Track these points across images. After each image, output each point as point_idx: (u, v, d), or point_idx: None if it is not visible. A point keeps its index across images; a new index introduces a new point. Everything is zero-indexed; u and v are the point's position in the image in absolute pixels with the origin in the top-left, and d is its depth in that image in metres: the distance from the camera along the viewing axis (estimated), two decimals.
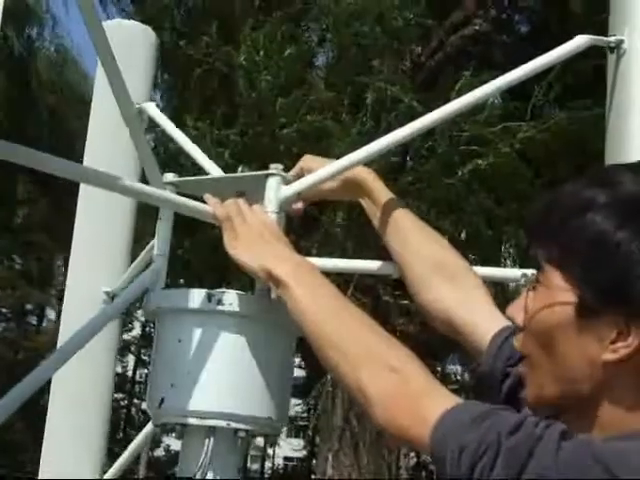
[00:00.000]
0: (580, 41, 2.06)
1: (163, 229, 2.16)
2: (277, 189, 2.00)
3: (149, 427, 2.35)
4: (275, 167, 2.03)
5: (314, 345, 1.65)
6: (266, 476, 36.16)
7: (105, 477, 2.36)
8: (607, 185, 1.42)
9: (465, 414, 1.35)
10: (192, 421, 1.87)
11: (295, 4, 10.09)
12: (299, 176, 2.09)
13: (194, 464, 1.86)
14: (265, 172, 2.03)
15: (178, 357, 1.89)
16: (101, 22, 1.85)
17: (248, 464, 34.98)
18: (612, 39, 2.05)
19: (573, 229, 1.42)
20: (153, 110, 2.43)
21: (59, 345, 2.37)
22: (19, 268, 29.34)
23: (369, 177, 2.15)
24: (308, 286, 1.71)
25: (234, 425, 1.87)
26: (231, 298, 1.89)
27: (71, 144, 15.82)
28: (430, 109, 2.18)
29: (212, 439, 1.86)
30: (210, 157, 2.36)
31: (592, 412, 1.38)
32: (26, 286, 29.30)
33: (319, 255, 7.77)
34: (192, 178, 2.14)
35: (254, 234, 1.83)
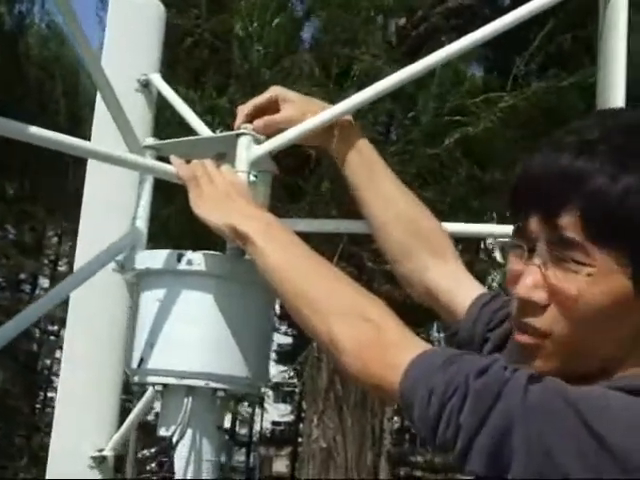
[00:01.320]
0: None
1: (143, 193, 2.14)
2: (248, 148, 1.97)
3: (149, 394, 2.33)
4: (245, 127, 2.00)
5: (286, 301, 1.63)
6: (254, 439, 36.31)
7: (109, 445, 2.34)
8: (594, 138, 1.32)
9: (434, 358, 1.33)
10: (170, 381, 1.86)
11: None
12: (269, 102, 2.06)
13: (173, 423, 1.85)
14: (236, 132, 2.00)
15: (156, 318, 1.88)
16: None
17: (237, 428, 35.15)
18: None
19: (614, 199, 1.29)
20: (158, 81, 2.42)
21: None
22: (12, 238, 29.39)
23: (347, 122, 2.08)
24: (277, 242, 1.69)
25: (212, 385, 1.85)
26: (202, 258, 1.87)
27: (58, 117, 15.84)
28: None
29: (190, 399, 1.85)
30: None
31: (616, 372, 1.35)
32: (19, 255, 29.39)
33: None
34: (170, 141, 2.11)
35: (220, 193, 1.80)
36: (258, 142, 1.99)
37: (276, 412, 36.93)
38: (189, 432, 1.86)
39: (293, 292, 1.61)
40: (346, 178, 2.06)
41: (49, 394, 36.17)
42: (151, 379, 1.89)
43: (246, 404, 34.80)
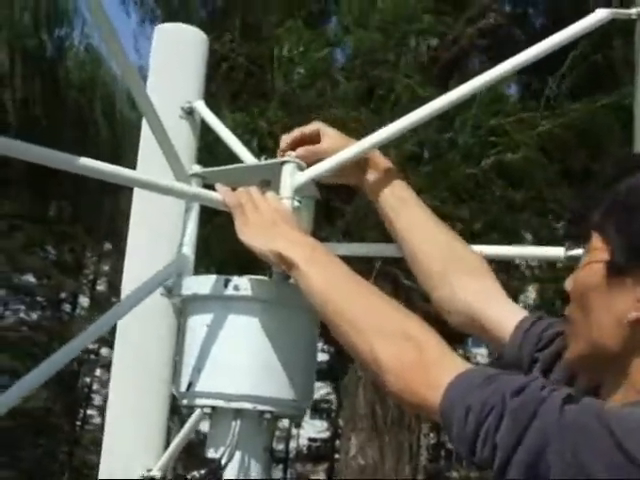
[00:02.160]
0: (601, 15, 2.01)
1: (190, 220, 2.16)
2: (292, 175, 2.00)
3: (196, 416, 2.35)
4: (289, 154, 2.03)
5: (329, 323, 1.65)
6: (291, 456, 36.19)
7: (158, 465, 2.35)
8: None
9: (473, 378, 1.34)
10: (219, 404, 1.88)
11: (315, 3, 10.16)
12: (310, 134, 2.09)
13: (222, 445, 1.87)
14: (280, 159, 2.04)
15: (203, 342, 1.90)
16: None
17: (273, 444, 34.96)
18: (634, 11, 2.00)
19: (612, 192, 1.42)
20: (202, 108, 2.44)
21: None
22: (52, 258, 29.47)
23: (376, 154, 2.10)
24: (320, 266, 1.70)
25: (260, 407, 1.87)
26: (248, 284, 1.89)
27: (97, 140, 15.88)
28: None
29: (239, 421, 1.87)
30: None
31: (625, 375, 1.36)
32: (59, 275, 29.42)
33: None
34: (216, 169, 2.13)
35: (265, 220, 1.81)
36: (301, 169, 2.02)
37: (312, 429, 36.73)
38: (237, 454, 1.87)
39: (336, 313, 1.63)
40: (379, 212, 2.09)
41: (89, 411, 36.31)
42: (200, 402, 1.91)
43: (283, 421, 34.64)
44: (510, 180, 9.62)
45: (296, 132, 2.10)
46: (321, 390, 32.71)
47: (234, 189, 1.93)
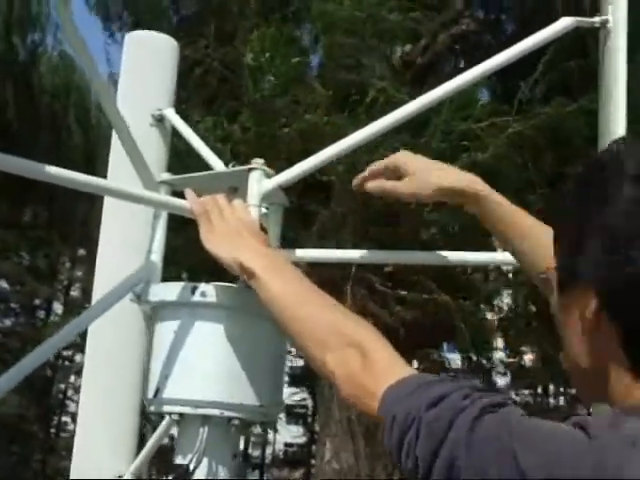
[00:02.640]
0: (566, 22, 2.03)
1: (158, 227, 2.17)
2: (259, 182, 2.01)
3: (166, 422, 2.35)
4: (256, 162, 2.04)
5: (284, 331, 1.66)
6: (267, 461, 36.19)
7: (130, 469, 2.35)
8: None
9: (406, 386, 1.34)
10: (186, 410, 1.88)
11: (288, 8, 10.17)
12: (388, 169, 2.02)
13: (189, 452, 1.87)
14: (248, 167, 2.04)
15: (171, 349, 1.90)
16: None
17: (249, 450, 35.07)
18: (597, 19, 2.01)
19: (562, 211, 1.39)
20: (172, 115, 2.44)
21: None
22: (27, 264, 29.44)
23: (480, 187, 1.99)
24: (277, 276, 1.71)
25: (227, 414, 1.88)
26: (215, 290, 1.90)
27: (71, 146, 15.89)
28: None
29: (206, 428, 1.87)
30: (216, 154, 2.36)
31: (604, 387, 1.30)
32: (34, 282, 29.44)
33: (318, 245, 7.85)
34: (185, 176, 2.14)
35: (230, 229, 1.82)
36: (268, 176, 2.02)
37: (288, 434, 36.80)
38: (205, 460, 1.87)
39: (290, 321, 1.64)
40: (494, 233, 2.03)
41: (63, 418, 36.26)
42: (167, 408, 1.91)
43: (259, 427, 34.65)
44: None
45: (383, 163, 2.04)
46: (297, 395, 32.73)
47: (201, 196, 1.94)
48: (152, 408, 1.96)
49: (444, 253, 2.22)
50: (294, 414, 34.72)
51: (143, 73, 2.51)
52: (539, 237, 1.89)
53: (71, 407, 36.00)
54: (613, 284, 1.22)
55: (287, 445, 37.25)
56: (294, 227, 9.98)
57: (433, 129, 9.32)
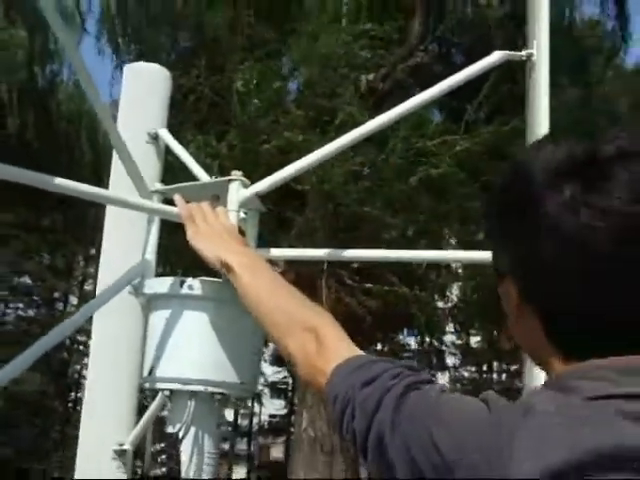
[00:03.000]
0: (497, 56, 2.04)
1: (152, 230, 2.17)
2: (237, 191, 2.01)
3: (160, 397, 2.34)
4: (235, 174, 2.04)
5: (256, 319, 1.67)
6: (254, 430, 36.16)
7: (129, 439, 2.33)
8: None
9: (349, 366, 1.34)
10: (176, 387, 1.88)
11: (271, 44, 10.20)
12: None
13: (179, 422, 1.87)
14: (227, 178, 2.04)
15: (163, 334, 1.89)
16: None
17: (239, 421, 35.04)
18: (524, 53, 2.02)
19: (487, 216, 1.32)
20: (165, 134, 2.43)
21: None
22: (47, 263, 29.55)
23: None
24: (251, 272, 1.72)
25: (211, 389, 1.87)
26: (201, 284, 1.90)
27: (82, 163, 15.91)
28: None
29: (193, 402, 1.86)
30: (205, 168, 2.36)
31: (540, 364, 1.25)
32: (53, 278, 29.53)
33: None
34: (175, 186, 2.13)
35: (212, 231, 1.82)
36: (246, 186, 2.03)
37: (272, 406, 36.88)
38: (192, 429, 1.87)
39: (260, 311, 1.65)
40: None
41: (79, 394, 36.28)
42: (159, 385, 1.91)
43: (248, 400, 34.83)
44: (435, 193, 9.72)
45: None
46: (279, 374, 32.74)
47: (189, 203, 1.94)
48: (147, 385, 1.95)
49: (402, 252, 2.22)
50: (277, 389, 34.74)
51: (140, 98, 2.50)
52: None
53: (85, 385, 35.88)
54: (525, 275, 1.19)
55: (271, 416, 37.26)
56: (274, 231, 10.01)
57: (393, 146, 9.37)
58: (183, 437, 1.86)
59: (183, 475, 1.86)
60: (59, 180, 1.80)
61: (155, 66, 2.62)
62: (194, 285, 1.89)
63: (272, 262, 1.89)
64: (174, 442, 1.86)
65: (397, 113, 2.14)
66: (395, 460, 1.14)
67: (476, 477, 1.03)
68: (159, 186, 2.19)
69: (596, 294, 1.13)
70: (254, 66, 9.64)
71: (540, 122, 1.85)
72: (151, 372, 1.90)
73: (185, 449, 1.86)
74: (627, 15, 12.22)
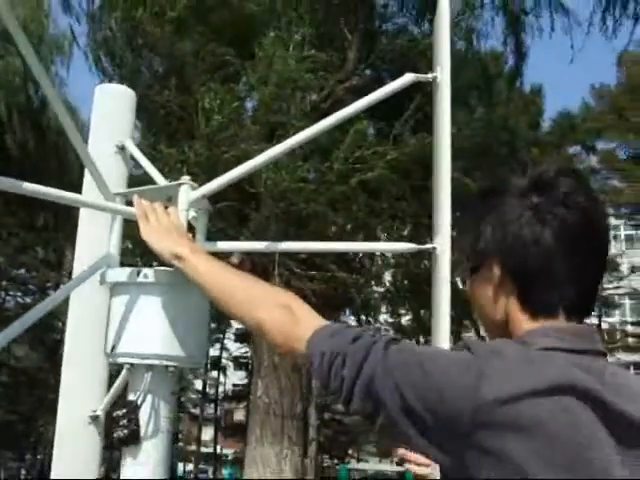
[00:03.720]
0: (408, 77, 2.04)
1: (114, 228, 2.15)
2: (186, 193, 2.00)
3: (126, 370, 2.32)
4: (184, 178, 2.03)
5: (216, 301, 1.66)
6: (220, 397, 36.10)
7: (101, 407, 2.30)
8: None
9: (327, 331, 1.40)
10: (135, 361, 1.87)
11: (231, 66, 10.21)
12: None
13: (138, 390, 1.86)
14: (178, 182, 2.03)
15: (123, 316, 1.88)
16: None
17: (207, 389, 34.99)
18: (430, 75, 1.99)
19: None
20: (130, 145, 2.41)
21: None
22: (41, 257, 29.56)
23: None
24: (203, 259, 1.72)
25: (165, 362, 1.86)
26: (154, 273, 1.89)
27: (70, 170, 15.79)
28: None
29: (150, 373, 1.85)
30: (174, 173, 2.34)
31: (509, 330, 1.40)
32: (45, 269, 29.54)
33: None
34: (134, 189, 2.11)
35: (163, 227, 1.81)
36: (194, 189, 2.01)
37: (235, 377, 36.91)
38: (149, 397, 1.86)
39: (221, 294, 1.63)
40: None
41: None
42: (121, 360, 1.89)
43: (214, 372, 34.80)
44: (370, 195, 9.81)
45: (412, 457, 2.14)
46: (242, 349, 32.71)
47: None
48: (111, 360, 1.94)
49: (342, 243, 2.22)
50: (239, 363, 34.73)
51: (109, 114, 2.47)
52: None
53: None
54: (506, 251, 1.38)
55: (234, 385, 37.22)
56: (235, 226, 10.02)
57: (335, 156, 9.45)
58: (141, 404, 1.85)
59: (142, 435, 1.85)
60: (38, 187, 1.81)
61: (122, 87, 2.60)
62: (148, 274, 1.88)
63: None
64: (134, 408, 1.85)
65: (328, 124, 2.13)
66: (385, 398, 1.25)
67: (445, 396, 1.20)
68: (121, 190, 2.16)
69: (558, 269, 1.35)
70: (216, 87, 9.67)
71: (444, 133, 1.85)
72: (113, 349, 1.89)
73: (143, 414, 1.85)
74: (524, 48, 12.41)
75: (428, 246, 1.68)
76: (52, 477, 2.18)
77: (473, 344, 1.28)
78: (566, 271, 1.36)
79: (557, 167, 1.42)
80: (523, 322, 1.37)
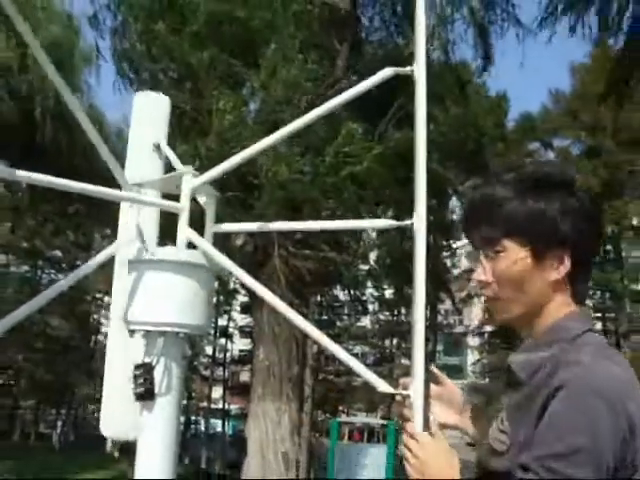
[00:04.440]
0: (388, 71, 1.92)
1: (134, 214, 2.12)
2: (189, 181, 1.97)
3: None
4: (187, 167, 2.01)
5: None
6: (228, 361, 36.15)
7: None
8: (508, 180, 1.50)
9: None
10: (149, 328, 1.85)
11: (238, 75, 10.23)
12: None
13: (153, 354, 1.84)
14: (181, 171, 2.00)
15: (140, 290, 1.86)
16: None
17: (217, 354, 35.02)
18: (408, 69, 1.85)
19: (509, 213, 1.46)
20: (164, 145, 2.36)
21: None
22: (72, 240, 29.69)
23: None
24: None
25: (176, 329, 1.85)
26: (168, 251, 1.87)
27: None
28: None
29: (162, 339, 1.84)
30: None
31: (541, 317, 1.46)
32: (76, 251, 29.69)
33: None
34: (150, 180, 2.08)
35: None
36: (196, 177, 1.99)
37: (241, 343, 36.97)
38: (162, 359, 1.84)
39: None
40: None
41: (99, 337, 36.83)
42: (138, 327, 1.87)
43: (223, 339, 34.84)
44: (359, 185, 9.85)
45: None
46: (246, 319, 32.70)
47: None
48: (129, 327, 1.91)
49: (329, 222, 2.16)
50: (244, 331, 34.76)
51: (147, 118, 2.41)
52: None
53: (103, 329, 36.50)
54: (573, 241, 1.44)
55: (240, 351, 37.26)
56: (239, 211, 10.02)
57: (327, 151, 9.48)
58: (156, 365, 1.83)
59: (156, 392, 1.83)
60: (77, 184, 1.82)
61: (158, 94, 2.56)
62: (161, 252, 1.86)
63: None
64: (149, 369, 1.83)
65: (314, 116, 2.05)
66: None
67: None
68: (137, 179, 2.12)
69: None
70: (227, 92, 9.71)
71: (420, 124, 1.77)
72: (131, 317, 1.87)
73: (157, 374, 1.83)
74: (491, 58, 12.40)
75: (407, 222, 1.64)
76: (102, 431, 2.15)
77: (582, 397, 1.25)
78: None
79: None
80: (564, 306, 1.46)
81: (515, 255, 1.45)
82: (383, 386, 1.60)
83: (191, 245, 1.91)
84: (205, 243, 1.90)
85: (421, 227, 1.59)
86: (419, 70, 1.78)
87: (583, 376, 1.25)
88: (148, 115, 2.43)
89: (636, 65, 9.91)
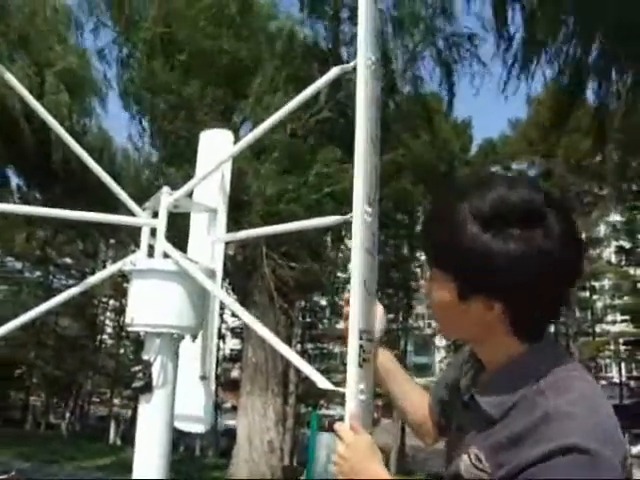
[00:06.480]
0: (335, 71, 1.83)
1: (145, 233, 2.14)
2: (165, 199, 2.02)
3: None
4: (165, 187, 2.05)
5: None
6: (219, 358, 35.95)
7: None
8: (459, 208, 1.20)
9: None
10: (148, 329, 1.88)
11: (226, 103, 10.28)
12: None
13: (151, 352, 1.87)
14: (160, 192, 2.04)
15: (140, 295, 1.90)
16: None
17: None
18: (352, 64, 1.70)
19: (439, 243, 1.24)
20: (227, 172, 2.34)
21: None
22: (80, 248, 29.59)
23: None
24: None
25: (172, 331, 1.88)
26: (162, 262, 1.90)
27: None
28: None
29: (159, 339, 1.87)
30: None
31: (487, 345, 1.28)
32: (84, 258, 29.52)
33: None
34: (149, 202, 2.11)
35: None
36: (170, 194, 2.03)
37: (232, 343, 36.81)
38: (159, 357, 1.87)
39: None
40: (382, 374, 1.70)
41: (104, 337, 36.60)
42: (138, 329, 1.90)
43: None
44: (336, 201, 9.87)
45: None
46: (237, 322, 32.54)
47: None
48: (130, 329, 1.94)
49: (282, 225, 2.15)
50: (235, 332, 34.61)
51: (214, 153, 2.35)
52: (412, 390, 1.73)
53: (107, 330, 36.32)
54: (509, 291, 1.17)
55: (231, 350, 37.06)
56: (230, 225, 10.03)
57: (311, 171, 9.52)
58: (154, 361, 1.86)
59: (154, 386, 1.86)
60: (95, 215, 2.01)
61: (224, 131, 2.50)
62: (157, 263, 1.90)
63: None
64: (148, 365, 1.86)
65: (278, 116, 2.01)
66: None
67: None
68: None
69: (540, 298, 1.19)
70: (216, 119, 9.76)
71: (361, 114, 1.62)
72: (132, 320, 1.90)
73: (155, 369, 1.87)
74: (453, 90, 12.55)
75: (347, 216, 1.62)
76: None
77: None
78: None
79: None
80: (513, 344, 1.24)
81: (441, 286, 1.25)
82: (323, 382, 1.61)
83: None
84: (178, 255, 1.92)
85: (357, 222, 1.54)
86: (361, 63, 1.65)
87: (584, 434, 1.08)
88: (215, 151, 2.36)
89: (578, 101, 10.07)
